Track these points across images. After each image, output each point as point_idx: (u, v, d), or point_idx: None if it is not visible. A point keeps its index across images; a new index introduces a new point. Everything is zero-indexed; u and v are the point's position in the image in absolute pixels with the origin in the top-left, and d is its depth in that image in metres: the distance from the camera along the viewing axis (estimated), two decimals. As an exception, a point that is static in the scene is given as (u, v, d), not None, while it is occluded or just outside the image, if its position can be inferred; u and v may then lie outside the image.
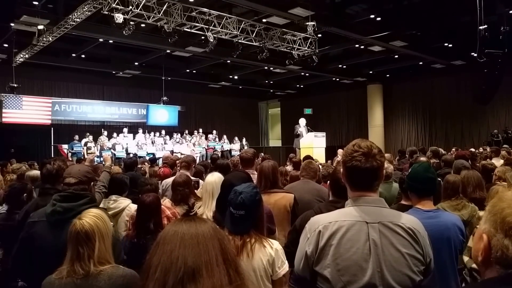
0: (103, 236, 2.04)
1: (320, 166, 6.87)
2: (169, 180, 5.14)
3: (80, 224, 2.02)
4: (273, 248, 2.17)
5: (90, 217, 2.06)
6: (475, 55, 12.02)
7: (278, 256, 2.16)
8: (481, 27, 11.26)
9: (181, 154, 15.71)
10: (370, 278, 1.67)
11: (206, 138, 20.49)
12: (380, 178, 1.83)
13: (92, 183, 2.86)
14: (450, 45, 17.65)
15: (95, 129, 20.04)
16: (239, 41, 14.57)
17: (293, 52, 15.70)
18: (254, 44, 15.00)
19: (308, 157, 7.52)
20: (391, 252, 1.69)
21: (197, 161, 14.33)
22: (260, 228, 2.26)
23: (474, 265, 2.79)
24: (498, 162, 7.16)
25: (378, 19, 14.93)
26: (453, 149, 14.62)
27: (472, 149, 12.33)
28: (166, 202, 3.97)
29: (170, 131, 20.33)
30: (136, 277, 2.08)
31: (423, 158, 5.78)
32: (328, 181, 3.09)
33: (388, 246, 1.70)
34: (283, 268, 2.16)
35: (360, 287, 1.68)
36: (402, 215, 1.84)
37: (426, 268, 1.75)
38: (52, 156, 15.77)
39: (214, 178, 3.42)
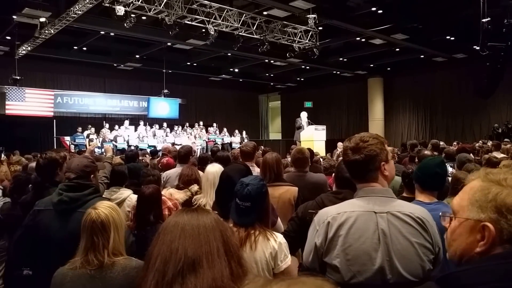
0: (118, 227, 2.04)
1: (321, 159, 6.91)
2: (170, 172, 5.15)
3: (96, 213, 2.01)
4: (276, 241, 2.14)
5: (105, 207, 2.06)
6: (477, 48, 11.96)
7: (281, 250, 2.13)
8: (484, 20, 11.18)
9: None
10: (380, 267, 1.68)
11: (207, 131, 20.48)
12: (373, 169, 1.84)
13: (92, 175, 2.86)
14: (452, 38, 17.53)
15: (96, 121, 20.07)
16: (240, 33, 14.51)
17: (294, 45, 15.65)
18: (255, 36, 14.94)
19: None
20: (400, 241, 1.71)
21: (198, 153, 14.39)
22: (265, 220, 2.24)
23: None
24: (499, 155, 7.15)
25: (380, 12, 14.83)
26: (454, 143, 14.58)
27: (479, 143, 11.99)
28: (171, 190, 3.98)
29: (171, 123, 20.34)
30: None
31: (427, 152, 5.64)
32: (333, 174, 3.07)
33: (397, 235, 1.71)
34: (286, 262, 2.13)
35: (369, 276, 1.69)
36: (410, 205, 1.85)
37: (435, 258, 1.76)
38: (55, 147, 15.82)
39: (215, 168, 3.38)
